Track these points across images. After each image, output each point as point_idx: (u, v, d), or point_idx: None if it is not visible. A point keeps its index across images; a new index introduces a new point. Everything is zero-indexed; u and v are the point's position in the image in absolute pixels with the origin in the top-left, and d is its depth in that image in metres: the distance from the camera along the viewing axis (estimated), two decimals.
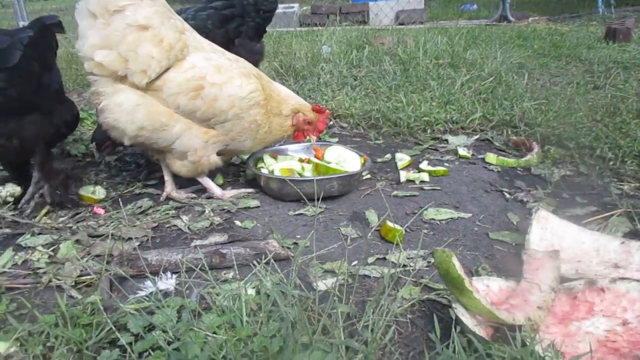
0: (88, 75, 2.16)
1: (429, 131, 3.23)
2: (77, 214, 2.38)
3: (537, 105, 3.43)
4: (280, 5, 9.10)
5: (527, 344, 1.27)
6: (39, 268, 1.93)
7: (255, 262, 1.75)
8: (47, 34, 2.18)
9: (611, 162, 2.66)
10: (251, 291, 1.63)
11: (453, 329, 1.30)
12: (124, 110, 2.16)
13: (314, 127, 2.57)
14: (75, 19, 2.10)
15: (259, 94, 2.35)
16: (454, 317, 1.38)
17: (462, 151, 2.91)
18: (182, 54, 2.20)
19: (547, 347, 1.31)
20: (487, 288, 1.61)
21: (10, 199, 2.41)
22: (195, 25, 2.83)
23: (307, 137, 2.60)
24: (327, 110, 2.62)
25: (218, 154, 2.43)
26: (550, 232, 1.95)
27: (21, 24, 8.62)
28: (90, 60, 2.09)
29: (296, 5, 9.23)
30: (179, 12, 2.93)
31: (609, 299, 1.51)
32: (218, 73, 2.25)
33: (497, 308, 1.41)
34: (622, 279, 1.54)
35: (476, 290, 1.41)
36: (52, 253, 2.04)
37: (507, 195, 2.45)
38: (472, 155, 2.92)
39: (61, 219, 2.34)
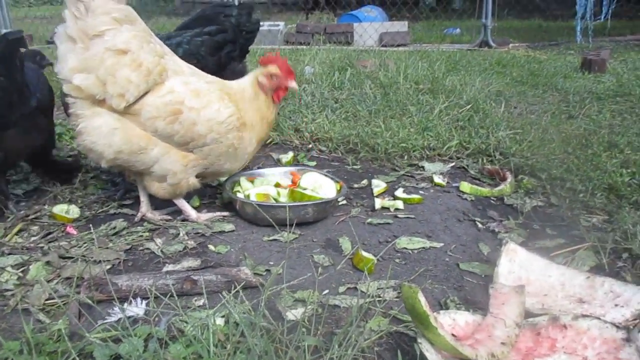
0: (66, 97, 2.17)
1: (406, 157, 3.27)
2: (49, 233, 2.36)
3: (512, 135, 3.50)
4: (265, 23, 9.19)
5: None
6: (7, 290, 1.91)
7: (225, 292, 1.75)
8: (10, 50, 2.20)
9: (581, 195, 2.72)
10: (220, 321, 1.63)
11: None
12: (102, 134, 2.17)
13: (281, 76, 2.44)
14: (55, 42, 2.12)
15: (236, 119, 2.37)
16: (418, 353, 1.40)
17: (438, 179, 2.96)
18: (160, 78, 2.21)
19: None
20: (454, 322, 1.63)
21: None
22: (189, 50, 2.86)
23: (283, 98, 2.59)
24: (279, 56, 2.49)
25: (197, 176, 2.44)
26: (518, 265, 1.98)
27: (3, 31, 8.58)
28: (69, 83, 2.10)
29: (282, 23, 9.30)
30: (172, 37, 2.96)
31: (570, 336, 1.54)
32: (196, 97, 2.27)
33: (461, 344, 1.44)
34: (584, 316, 1.57)
35: (441, 326, 1.44)
36: (21, 274, 2.02)
37: (480, 225, 2.50)
38: (447, 183, 2.97)
39: (33, 238, 2.32)
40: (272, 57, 2.48)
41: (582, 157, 3.09)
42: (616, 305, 1.75)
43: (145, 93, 2.19)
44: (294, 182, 2.66)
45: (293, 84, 2.46)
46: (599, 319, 1.55)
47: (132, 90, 2.14)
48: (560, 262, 2.13)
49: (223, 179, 2.68)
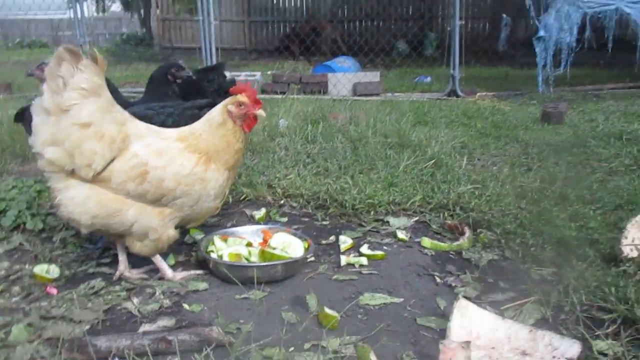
0: (41, 172, 2.35)
1: (372, 213, 3.47)
2: (30, 294, 2.48)
3: (472, 189, 3.73)
4: (242, 73, 9.52)
5: None
6: None
7: (196, 352, 1.89)
8: None
9: (532, 248, 2.93)
10: None
11: None
12: (76, 203, 2.35)
13: (249, 105, 2.58)
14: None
15: (200, 169, 2.51)
16: None
17: (401, 234, 3.16)
18: (124, 144, 2.40)
19: None
20: None
21: None
22: (178, 122, 3.01)
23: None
24: (248, 85, 2.64)
25: (180, 225, 2.62)
26: (469, 320, 2.17)
27: None
28: (42, 158, 2.30)
29: (258, 73, 9.64)
30: (167, 106, 3.15)
31: None
32: (159, 157, 2.45)
33: None
34: None
35: None
36: (3, 335, 2.12)
37: (438, 280, 2.68)
38: (410, 238, 3.16)
39: (14, 299, 2.43)
40: (242, 86, 2.65)
41: (534, 211, 3.32)
42: (554, 357, 1.94)
43: (112, 160, 2.37)
44: (265, 241, 2.83)
45: (260, 112, 2.61)
46: None
47: (98, 160, 2.32)
48: (509, 315, 2.33)
49: (199, 236, 2.83)
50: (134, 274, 2.64)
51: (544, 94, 8.55)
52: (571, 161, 4.68)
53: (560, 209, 3.35)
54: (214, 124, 2.59)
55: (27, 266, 2.72)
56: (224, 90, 3.68)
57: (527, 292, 2.51)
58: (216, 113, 2.62)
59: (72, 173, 2.34)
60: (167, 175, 2.44)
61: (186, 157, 2.51)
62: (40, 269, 2.63)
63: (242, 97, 2.59)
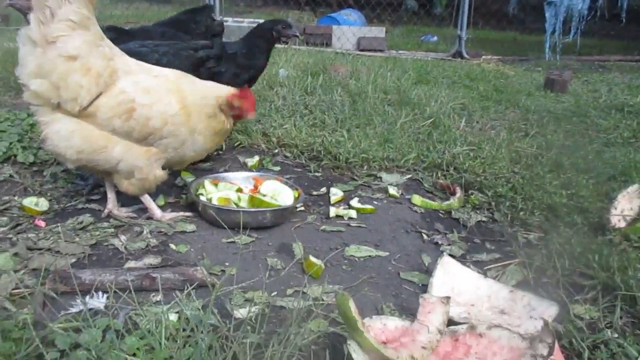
0: (29, 105, 2.30)
1: (365, 167, 3.46)
2: (18, 225, 2.48)
3: (467, 151, 3.72)
4: (245, 20, 9.30)
5: None
6: None
7: (179, 291, 1.92)
8: None
9: (522, 212, 2.94)
10: (173, 316, 1.79)
11: None
12: (62, 137, 2.33)
13: (243, 110, 2.65)
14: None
15: (185, 110, 2.50)
16: (345, 353, 1.59)
17: (392, 190, 3.16)
18: (111, 80, 2.36)
19: None
20: (384, 326, 1.82)
21: None
22: (172, 62, 2.95)
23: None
24: (247, 90, 2.68)
25: (163, 167, 2.59)
26: (451, 276, 2.19)
27: None
28: (28, 90, 2.25)
29: (261, 21, 9.40)
30: (161, 45, 3.08)
31: (483, 344, 1.75)
32: (147, 94, 2.42)
33: (385, 346, 1.63)
34: (497, 326, 1.78)
35: (368, 330, 1.63)
36: None
37: (425, 237, 2.70)
38: (401, 194, 3.17)
39: (2, 229, 2.44)
40: (245, 93, 2.64)
41: (527, 176, 3.32)
42: (531, 317, 1.97)
43: (99, 95, 2.33)
44: (255, 188, 2.83)
45: (251, 116, 2.74)
46: (508, 329, 1.76)
47: (83, 95, 2.29)
48: (492, 275, 2.36)
49: (189, 179, 2.82)
50: (123, 212, 2.65)
51: (550, 61, 8.43)
52: (570, 130, 4.66)
53: (553, 176, 3.34)
54: (204, 112, 2.58)
55: (16, 198, 2.72)
56: (211, 33, 3.60)
57: (511, 255, 2.54)
58: (209, 104, 2.59)
59: (58, 107, 2.29)
60: (154, 113, 2.41)
61: (174, 97, 2.49)
62: (29, 202, 2.63)
63: (238, 102, 2.60)
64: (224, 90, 2.63)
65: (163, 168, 2.60)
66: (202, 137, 2.60)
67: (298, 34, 3.68)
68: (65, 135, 2.34)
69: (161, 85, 2.47)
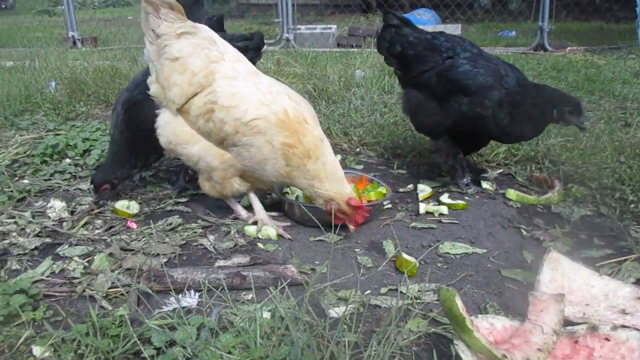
0: None
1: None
2: (112, 227, 2.54)
3: (563, 142, 3.46)
4: (318, 26, 9.34)
5: None
6: (75, 278, 2.09)
7: (272, 288, 1.86)
8: None
9: (632, 205, 2.67)
10: (266, 314, 1.73)
11: None
12: (160, 126, 2.51)
13: (350, 219, 2.39)
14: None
15: (263, 122, 2.31)
16: (454, 354, 1.46)
17: (485, 184, 2.97)
18: (207, 80, 2.37)
19: None
20: (491, 326, 1.67)
21: (65, 214, 2.64)
22: None
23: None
24: (364, 206, 2.40)
25: (247, 180, 2.52)
26: (560, 274, 1.99)
27: (70, 34, 9.08)
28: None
29: (334, 26, 9.41)
30: None
31: (608, 346, 1.56)
32: (230, 98, 2.34)
33: (496, 347, 1.48)
34: (624, 326, 1.59)
35: (477, 329, 1.49)
36: (87, 264, 2.19)
37: (524, 233, 2.50)
38: (495, 189, 2.97)
39: (97, 231, 2.50)
40: (361, 207, 2.37)
41: (635, 167, 3.02)
42: None
43: (196, 94, 2.37)
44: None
45: (352, 228, 2.43)
46: (638, 330, 1.56)
47: (175, 91, 2.38)
48: (606, 272, 2.13)
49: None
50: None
51: None
52: None
53: None
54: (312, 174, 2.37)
55: (109, 202, 2.79)
56: None
57: (625, 251, 2.29)
58: (320, 184, 2.37)
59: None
60: (229, 118, 2.33)
61: (256, 107, 2.33)
62: (121, 205, 2.70)
63: (347, 210, 2.35)
64: (342, 188, 2.40)
65: (248, 181, 2.52)
66: (291, 175, 2.41)
67: (584, 126, 2.91)
68: (161, 124, 2.49)
69: (252, 93, 2.37)
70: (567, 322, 1.70)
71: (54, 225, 2.51)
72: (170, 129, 2.45)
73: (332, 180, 2.38)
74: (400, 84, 3.29)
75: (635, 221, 2.58)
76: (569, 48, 8.26)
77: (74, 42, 9.00)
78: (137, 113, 2.69)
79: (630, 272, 2.13)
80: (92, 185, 2.75)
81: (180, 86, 2.36)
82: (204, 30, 2.46)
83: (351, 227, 2.42)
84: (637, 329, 1.57)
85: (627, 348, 1.53)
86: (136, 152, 2.78)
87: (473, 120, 2.79)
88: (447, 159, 3.02)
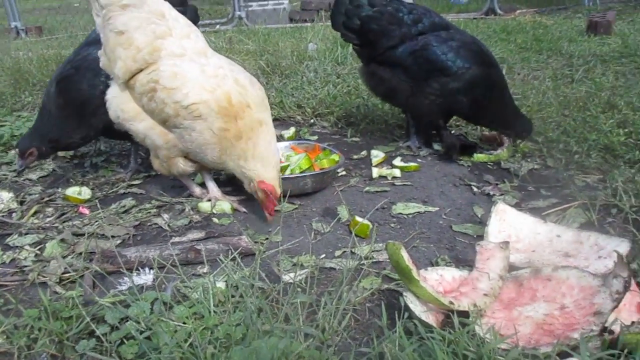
0: None
1: (404, 127, 3.33)
2: (63, 214, 2.50)
3: None
4: (269, 2, 9.20)
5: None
6: (26, 266, 2.05)
7: (224, 257, 1.87)
8: None
9: (577, 156, 2.77)
10: (221, 284, 1.74)
11: (397, 316, 1.42)
12: (108, 100, 2.46)
13: (263, 205, 2.31)
14: None
15: (203, 107, 2.23)
16: (402, 304, 1.50)
17: (436, 145, 3.02)
18: (151, 57, 2.31)
19: (487, 330, 1.42)
20: (441, 277, 1.72)
21: (13, 205, 2.58)
22: None
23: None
24: (273, 197, 2.27)
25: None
26: (508, 224, 2.06)
27: (13, 24, 8.74)
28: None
29: (286, 1, 9.30)
30: None
31: (550, 286, 1.62)
32: (172, 79, 2.27)
33: (443, 295, 1.53)
34: (564, 267, 1.65)
35: (424, 279, 1.53)
36: (38, 252, 2.15)
37: (475, 189, 2.57)
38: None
39: (48, 219, 2.45)
40: (271, 188, 2.27)
41: (579, 119, 3.12)
42: (600, 257, 1.82)
43: (141, 70, 2.32)
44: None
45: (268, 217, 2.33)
46: (577, 268, 1.63)
47: (119, 65, 2.32)
48: (552, 220, 2.21)
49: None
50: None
51: (590, 7, 8.00)
52: (619, 70, 4.38)
53: (607, 116, 3.13)
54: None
55: (59, 189, 2.73)
56: None
57: (570, 198, 2.37)
58: (251, 164, 2.30)
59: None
60: (169, 100, 2.27)
61: (197, 91, 2.25)
62: (72, 191, 2.64)
63: (261, 196, 2.28)
64: (268, 174, 2.29)
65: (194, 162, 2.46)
66: (223, 157, 2.35)
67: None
68: (109, 99, 2.44)
69: (196, 75, 2.29)
70: (513, 269, 1.76)
71: (2, 216, 2.45)
72: (118, 103, 2.40)
73: (258, 160, 2.29)
74: (361, 58, 3.18)
75: (580, 171, 2.67)
76: (518, 11, 8.38)
77: (17, 33, 8.67)
78: (67, 87, 2.64)
79: (574, 218, 2.21)
80: (16, 149, 2.71)
81: (124, 61, 2.30)
82: (152, 2, 2.36)
83: (267, 216, 2.31)
84: (576, 268, 1.64)
85: (567, 286, 1.60)
86: (69, 125, 2.68)
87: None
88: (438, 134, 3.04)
